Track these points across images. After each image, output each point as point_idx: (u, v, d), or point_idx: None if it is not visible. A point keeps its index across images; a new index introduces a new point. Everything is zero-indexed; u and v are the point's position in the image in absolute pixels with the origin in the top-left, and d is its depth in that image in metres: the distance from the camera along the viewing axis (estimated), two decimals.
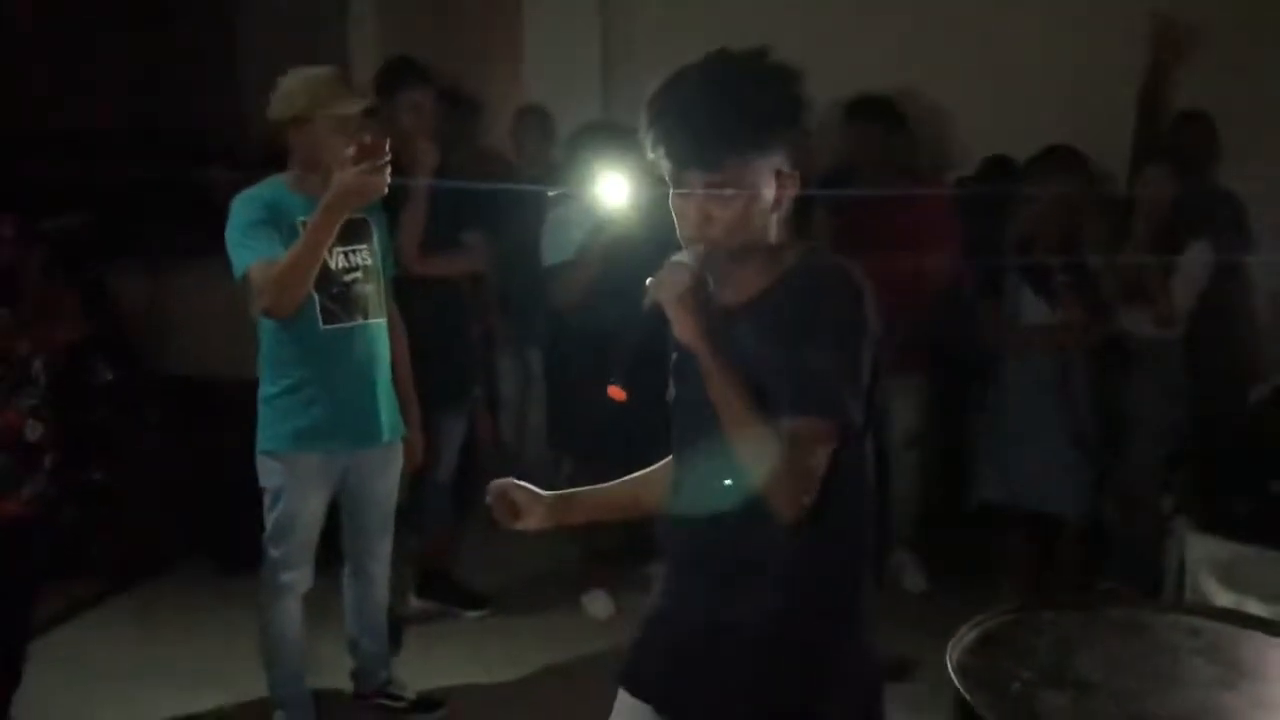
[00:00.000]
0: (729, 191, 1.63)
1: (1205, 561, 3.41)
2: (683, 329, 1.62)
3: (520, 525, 1.92)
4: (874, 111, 4.19)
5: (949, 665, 1.61)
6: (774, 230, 1.70)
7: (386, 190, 2.72)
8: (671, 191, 1.69)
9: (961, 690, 1.55)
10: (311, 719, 3.12)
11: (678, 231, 1.71)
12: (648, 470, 1.95)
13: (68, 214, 4.68)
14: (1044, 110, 4.37)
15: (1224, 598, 3.13)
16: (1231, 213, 4.16)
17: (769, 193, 1.66)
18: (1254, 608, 2.38)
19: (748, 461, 1.60)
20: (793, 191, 1.67)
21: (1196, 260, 3.81)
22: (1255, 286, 4.17)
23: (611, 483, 2.00)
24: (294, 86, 2.84)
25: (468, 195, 3.78)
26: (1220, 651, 1.68)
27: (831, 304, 1.64)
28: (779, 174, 1.67)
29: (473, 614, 3.98)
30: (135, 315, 4.64)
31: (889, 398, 4.02)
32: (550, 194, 4.31)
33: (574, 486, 4.24)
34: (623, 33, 5.27)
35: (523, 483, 1.93)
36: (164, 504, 4.33)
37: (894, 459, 4.13)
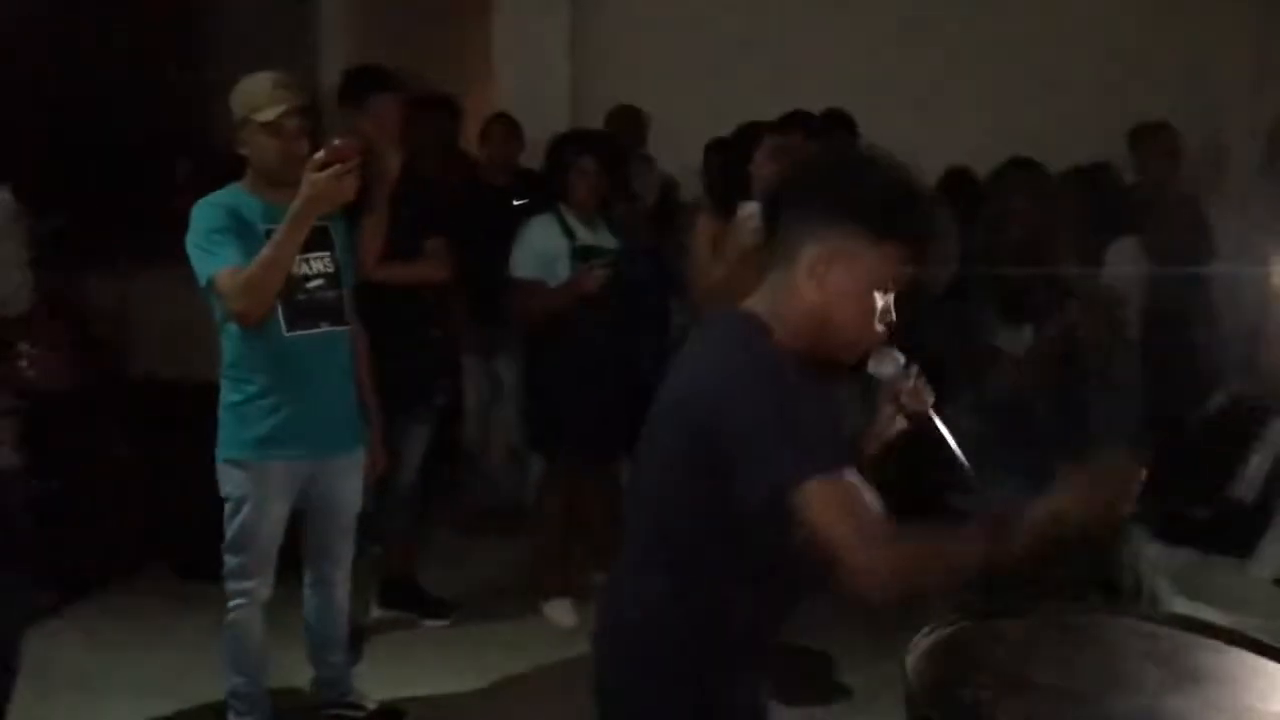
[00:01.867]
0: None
1: (1162, 568, 3.46)
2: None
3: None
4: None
5: (905, 673, 1.62)
6: None
7: (353, 196, 2.71)
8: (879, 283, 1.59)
9: (918, 699, 1.56)
10: None
11: (868, 325, 1.61)
12: None
13: (38, 218, 4.64)
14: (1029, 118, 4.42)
15: (1180, 604, 3.17)
16: (1192, 219, 4.20)
17: None
18: (1210, 615, 2.41)
19: None
20: None
21: (1116, 262, 3.83)
22: (1216, 293, 4.13)
23: None
24: (234, 93, 2.84)
25: (434, 201, 3.77)
26: (1173, 657, 1.70)
27: None
28: None
29: (435, 623, 3.96)
30: (101, 320, 4.59)
31: None
32: (516, 203, 4.34)
33: (545, 488, 4.29)
34: (593, 37, 5.29)
35: None
36: (124, 510, 4.29)
37: None
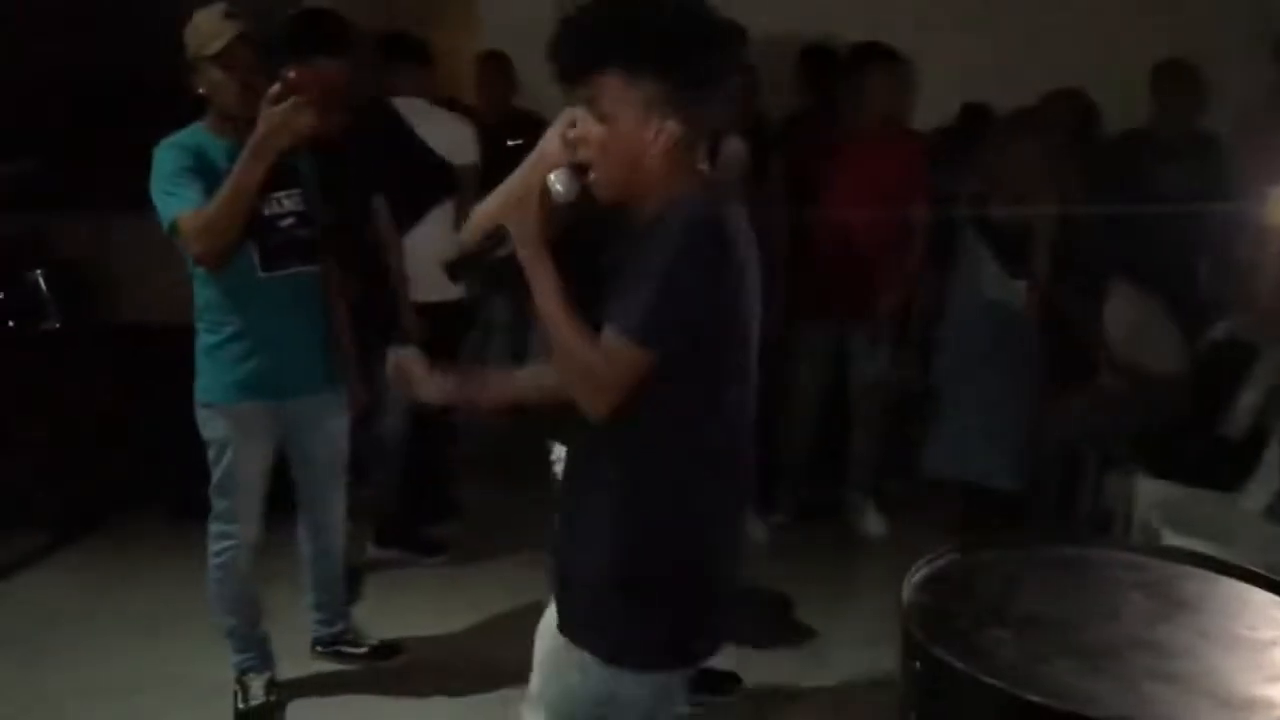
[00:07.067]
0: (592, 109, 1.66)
1: (1155, 504, 3.47)
2: (520, 232, 1.68)
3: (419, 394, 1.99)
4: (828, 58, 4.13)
5: (900, 603, 1.62)
6: (660, 172, 1.67)
7: (311, 129, 2.61)
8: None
9: (910, 627, 1.56)
10: (269, 666, 3.11)
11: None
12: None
13: (12, 160, 4.58)
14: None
15: (1170, 537, 3.18)
16: (1211, 155, 4.15)
17: (642, 130, 1.65)
18: (1199, 547, 2.41)
19: (560, 364, 1.68)
20: (667, 137, 1.64)
21: None
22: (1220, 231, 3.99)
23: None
24: (187, 30, 2.72)
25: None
26: (1162, 587, 1.70)
27: (675, 246, 1.61)
28: (654, 114, 1.64)
29: (431, 560, 3.98)
30: (83, 263, 4.54)
31: (848, 344, 4.06)
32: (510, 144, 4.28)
33: None
34: None
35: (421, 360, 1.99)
36: (112, 453, 4.27)
37: (854, 406, 4.17)
